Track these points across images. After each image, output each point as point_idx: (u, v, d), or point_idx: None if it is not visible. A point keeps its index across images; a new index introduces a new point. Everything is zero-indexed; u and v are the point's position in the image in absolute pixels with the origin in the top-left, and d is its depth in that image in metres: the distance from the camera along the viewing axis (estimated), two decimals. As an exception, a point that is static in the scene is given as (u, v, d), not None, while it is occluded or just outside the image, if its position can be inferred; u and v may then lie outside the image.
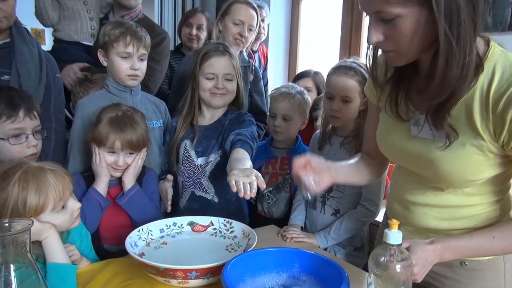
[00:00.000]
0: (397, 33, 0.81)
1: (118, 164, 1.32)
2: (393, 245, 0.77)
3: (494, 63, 0.83)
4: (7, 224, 0.73)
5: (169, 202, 1.41)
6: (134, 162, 1.34)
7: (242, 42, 1.95)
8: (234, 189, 1.03)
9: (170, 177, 1.45)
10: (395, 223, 0.77)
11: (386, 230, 0.77)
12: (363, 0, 0.83)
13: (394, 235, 0.76)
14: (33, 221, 0.74)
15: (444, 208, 0.98)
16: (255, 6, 1.98)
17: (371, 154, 1.17)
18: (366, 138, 1.20)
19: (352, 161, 1.18)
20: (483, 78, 0.83)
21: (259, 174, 1.08)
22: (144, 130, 1.36)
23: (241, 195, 1.03)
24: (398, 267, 0.76)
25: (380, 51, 0.93)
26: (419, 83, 0.90)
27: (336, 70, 1.47)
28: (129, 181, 1.34)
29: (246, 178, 1.04)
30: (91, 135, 1.33)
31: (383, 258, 0.77)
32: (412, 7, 0.77)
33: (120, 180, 1.36)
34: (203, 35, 2.53)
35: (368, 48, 0.94)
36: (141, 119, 1.37)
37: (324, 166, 1.02)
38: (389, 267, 0.76)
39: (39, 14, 2.03)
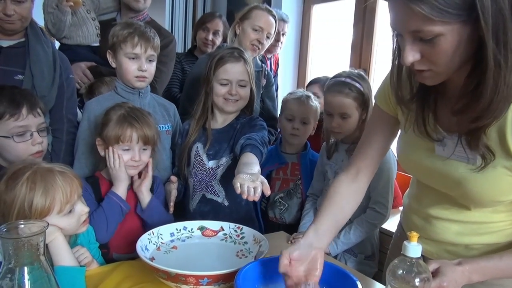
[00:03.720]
0: (436, 52, 0.76)
1: (135, 159, 1.30)
2: (412, 258, 0.75)
3: None
4: (22, 226, 0.73)
5: (172, 204, 1.40)
6: (147, 175, 1.33)
7: (259, 49, 1.95)
8: (238, 191, 1.05)
9: (173, 178, 1.44)
10: (414, 235, 0.75)
11: (405, 243, 0.76)
12: (398, 19, 0.77)
13: (414, 248, 0.75)
14: (48, 224, 0.73)
15: (467, 223, 0.96)
16: (275, 14, 1.98)
17: (363, 169, 1.04)
18: (364, 151, 1.04)
19: (331, 205, 1.00)
20: None
21: (265, 180, 1.08)
22: (154, 124, 1.36)
23: (245, 196, 1.04)
24: (417, 281, 0.75)
25: (404, 68, 0.89)
26: (452, 103, 0.85)
27: (331, 88, 1.50)
28: (146, 196, 1.33)
29: (251, 183, 1.05)
30: (103, 135, 1.30)
31: (401, 271, 0.76)
32: (455, 24, 0.73)
33: (130, 185, 1.35)
34: (219, 40, 2.51)
35: (394, 59, 0.88)
36: (149, 115, 1.37)
37: (305, 252, 0.90)
38: (407, 281, 0.75)
39: (58, 30, 1.95)
